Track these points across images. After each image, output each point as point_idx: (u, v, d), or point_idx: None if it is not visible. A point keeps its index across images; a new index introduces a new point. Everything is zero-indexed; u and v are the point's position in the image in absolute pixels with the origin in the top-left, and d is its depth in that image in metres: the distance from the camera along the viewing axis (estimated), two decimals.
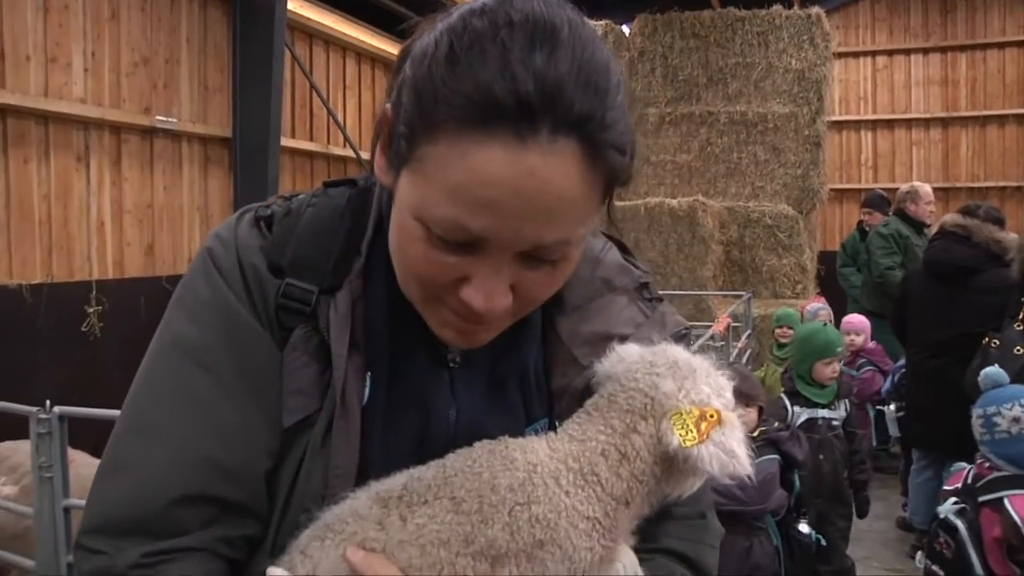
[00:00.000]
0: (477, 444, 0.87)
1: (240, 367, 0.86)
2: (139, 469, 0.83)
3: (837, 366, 4.00)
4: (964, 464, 3.17)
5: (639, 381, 0.88)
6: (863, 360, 5.81)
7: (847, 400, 4.09)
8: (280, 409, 0.86)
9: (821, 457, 3.83)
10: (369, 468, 0.86)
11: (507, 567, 0.81)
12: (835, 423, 3.93)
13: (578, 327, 0.96)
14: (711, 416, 0.85)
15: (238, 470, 0.84)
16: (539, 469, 0.84)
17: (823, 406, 3.93)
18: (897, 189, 6.92)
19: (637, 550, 0.91)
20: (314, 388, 0.86)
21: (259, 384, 0.86)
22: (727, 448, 0.84)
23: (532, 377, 0.95)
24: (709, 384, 0.89)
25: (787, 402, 3.95)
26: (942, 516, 2.93)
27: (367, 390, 0.88)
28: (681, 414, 0.85)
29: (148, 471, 0.83)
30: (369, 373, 0.88)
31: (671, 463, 0.87)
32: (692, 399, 0.87)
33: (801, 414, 3.90)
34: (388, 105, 0.82)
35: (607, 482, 0.85)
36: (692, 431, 0.84)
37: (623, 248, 1.05)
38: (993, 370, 3.20)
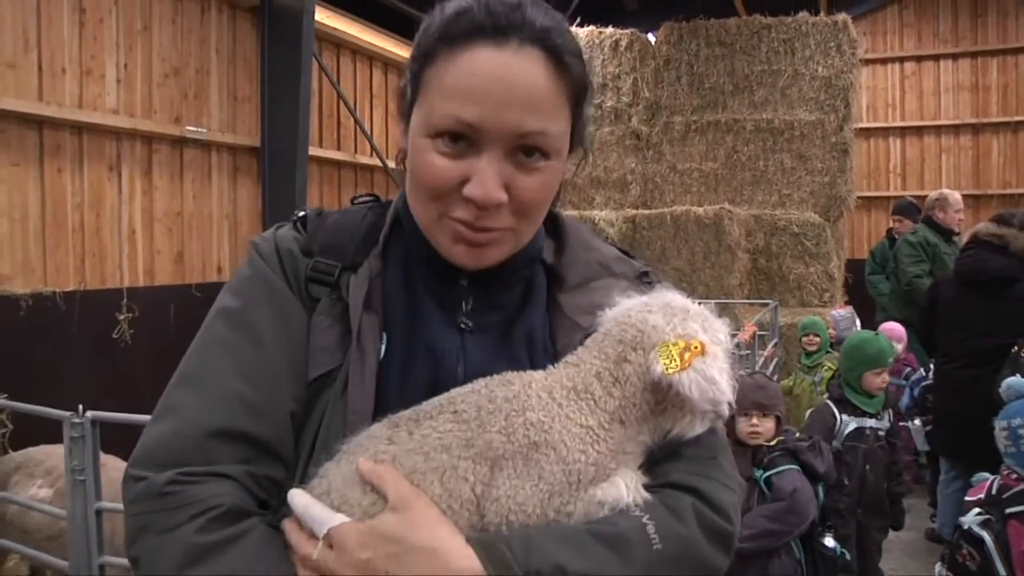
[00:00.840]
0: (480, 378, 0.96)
1: (274, 325, 1.00)
2: (181, 411, 0.96)
3: (887, 376, 3.94)
4: (987, 474, 3.11)
5: (632, 316, 0.97)
6: (908, 368, 5.69)
7: (890, 410, 4.03)
8: (306, 363, 1.00)
9: (868, 468, 3.77)
10: (386, 415, 0.96)
11: (505, 469, 0.88)
12: (881, 433, 3.88)
13: (579, 300, 1.07)
14: (695, 347, 0.92)
15: (265, 408, 0.96)
16: (533, 385, 0.93)
17: (871, 415, 3.87)
18: (927, 196, 6.85)
19: (645, 486, 0.94)
20: (337, 346, 1.00)
21: (291, 339, 1.00)
22: (707, 375, 0.90)
23: (539, 339, 1.06)
24: (700, 323, 0.96)
25: (835, 409, 3.89)
26: (965, 527, 2.87)
27: (383, 346, 1.01)
28: (667, 345, 0.92)
29: (188, 412, 0.95)
30: (385, 334, 1.01)
31: (662, 394, 0.93)
32: (679, 332, 0.93)
33: (849, 423, 3.84)
34: (402, 83, 1.02)
35: (600, 399, 0.93)
36: (675, 360, 0.91)
37: (624, 252, 1.17)
38: (1017, 380, 3.15)
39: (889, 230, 7.48)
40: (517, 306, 1.07)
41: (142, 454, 0.95)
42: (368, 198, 1.14)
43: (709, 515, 0.95)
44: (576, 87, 0.98)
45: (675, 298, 0.99)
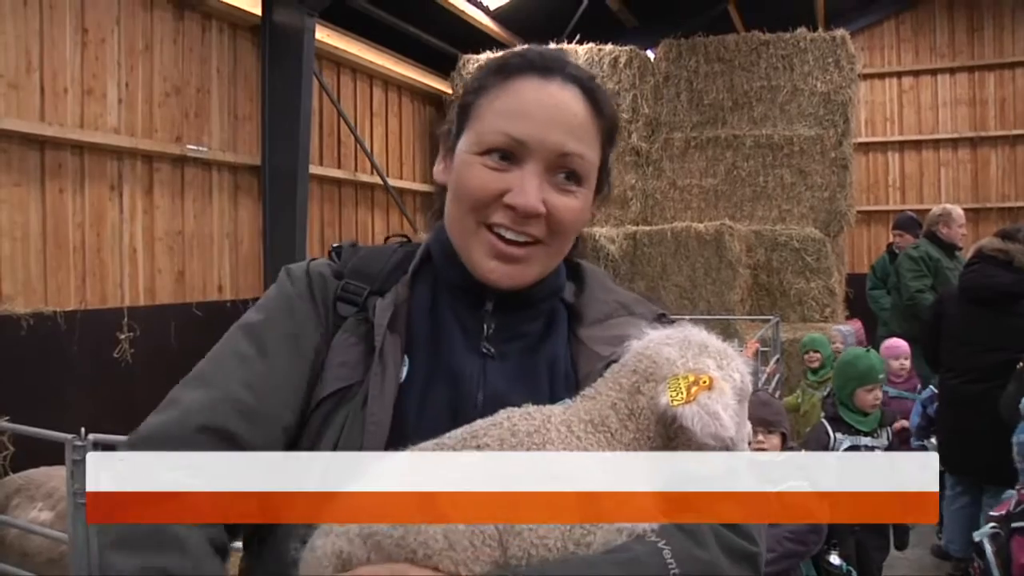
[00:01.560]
0: (502, 410, 0.97)
1: (286, 342, 1.06)
2: (181, 405, 1.01)
3: (879, 393, 3.90)
4: (1012, 491, 3.10)
5: (649, 348, 0.99)
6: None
7: (889, 428, 3.99)
8: (308, 380, 1.05)
9: None
10: (406, 437, 0.97)
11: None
12: (878, 451, 3.84)
13: (599, 333, 1.12)
14: (704, 382, 0.93)
15: (260, 417, 1.00)
16: (552, 419, 0.94)
17: (866, 433, 3.84)
18: (925, 210, 6.85)
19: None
20: (359, 363, 1.04)
21: (299, 358, 1.05)
22: (710, 410, 0.90)
23: (561, 368, 1.10)
24: (716, 359, 0.97)
25: (829, 428, 3.86)
26: (977, 540, 2.87)
27: (405, 368, 1.05)
28: (677, 378, 0.93)
29: (187, 406, 1.00)
30: (407, 356, 1.06)
31: (669, 425, 0.94)
32: (691, 366, 0.95)
33: (843, 441, 3.81)
34: (444, 128, 1.14)
35: (616, 431, 0.94)
36: (682, 393, 0.92)
37: (642, 295, 1.24)
38: None
39: (889, 245, 7.48)
40: (539, 336, 1.12)
41: (136, 438, 1.00)
42: (401, 237, 1.23)
43: (730, 537, 0.94)
44: (608, 127, 1.10)
45: (697, 334, 1.01)
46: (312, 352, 1.06)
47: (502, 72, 1.07)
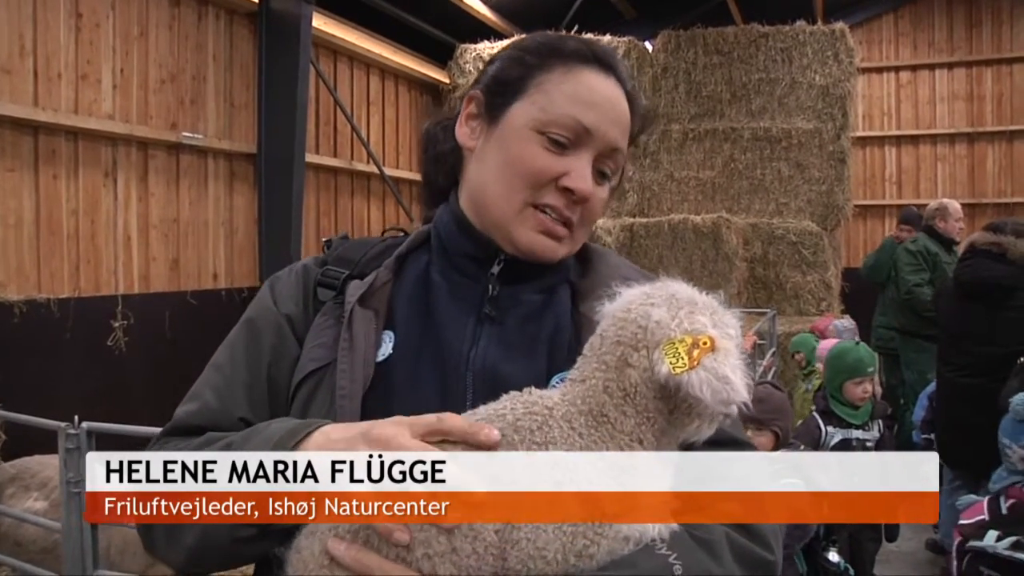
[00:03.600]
0: (504, 395, 0.90)
1: (246, 345, 1.10)
2: (176, 417, 1.08)
3: (869, 386, 3.92)
4: (975, 497, 3.07)
5: (631, 312, 0.88)
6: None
7: (880, 421, 4.01)
8: (267, 376, 1.07)
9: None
10: (394, 413, 0.93)
11: None
12: (869, 444, 3.85)
13: (599, 304, 1.06)
14: (704, 343, 0.83)
15: (220, 412, 1.06)
16: (554, 412, 0.85)
17: (857, 427, 3.84)
18: (922, 205, 6.85)
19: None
20: (334, 343, 1.04)
21: (258, 356, 1.09)
22: (719, 374, 0.82)
23: (564, 338, 1.08)
24: (709, 316, 0.87)
25: (820, 422, 3.87)
26: (990, 551, 2.82)
27: (390, 344, 1.06)
28: (673, 342, 0.84)
29: (178, 415, 1.08)
30: (392, 332, 1.06)
31: (672, 397, 0.85)
32: (685, 327, 0.85)
33: (835, 435, 3.82)
34: (476, 91, 1.13)
35: (616, 420, 0.85)
36: (683, 358, 0.82)
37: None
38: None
39: (896, 238, 7.42)
40: (540, 306, 1.12)
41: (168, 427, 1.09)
42: (398, 231, 1.24)
43: (746, 545, 0.89)
44: (635, 132, 1.15)
45: (680, 288, 0.91)
46: (269, 348, 1.09)
47: (563, 56, 1.09)
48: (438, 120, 1.21)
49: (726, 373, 0.82)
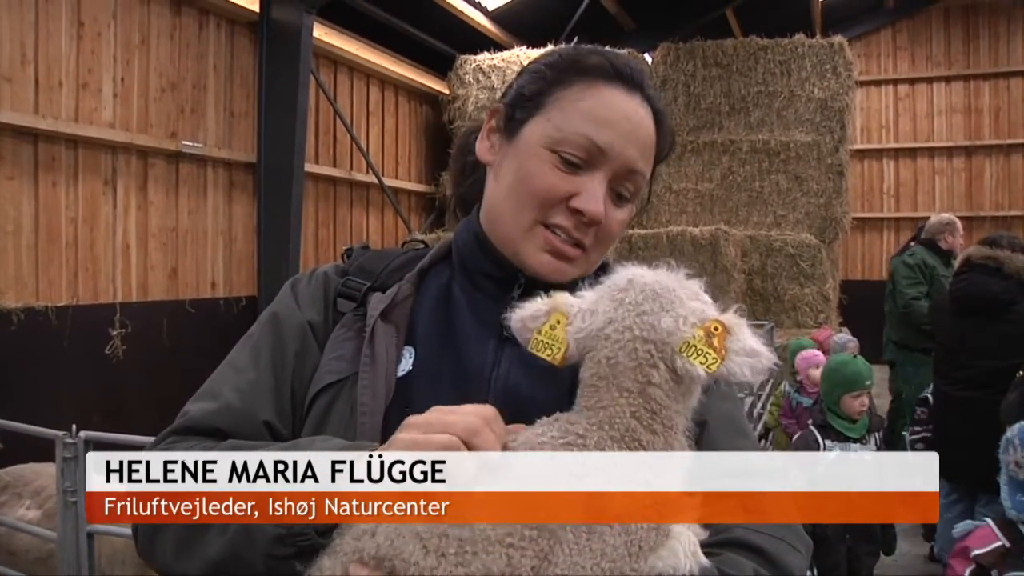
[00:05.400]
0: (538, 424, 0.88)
1: (272, 349, 1.07)
2: (188, 414, 1.03)
3: (866, 400, 3.92)
4: (971, 523, 3.03)
5: (632, 330, 0.86)
6: None
7: (877, 434, 4.01)
8: (291, 380, 1.05)
9: None
10: None
11: (565, 543, 0.79)
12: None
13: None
14: (715, 329, 0.84)
15: (244, 415, 1.03)
16: (587, 442, 0.83)
17: (855, 440, 3.84)
18: (919, 218, 6.86)
19: (704, 545, 0.86)
20: (354, 356, 1.03)
21: (282, 362, 1.06)
22: (749, 350, 0.84)
23: None
24: (696, 298, 0.88)
25: (818, 435, 3.86)
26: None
27: (410, 360, 1.04)
28: (689, 343, 0.84)
29: (191, 415, 1.03)
30: (412, 348, 1.05)
31: (687, 389, 0.86)
32: (691, 322, 0.85)
33: (832, 448, 3.81)
34: (499, 104, 1.11)
35: (648, 443, 0.84)
36: (709, 353, 0.83)
37: None
38: None
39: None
40: None
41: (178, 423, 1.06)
42: (418, 243, 1.22)
43: None
44: (661, 153, 1.11)
45: (649, 281, 0.90)
46: (295, 353, 1.07)
47: (585, 71, 1.05)
48: (473, 129, 1.18)
49: (752, 346, 0.84)
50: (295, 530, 0.84)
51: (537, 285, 1.02)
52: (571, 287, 1.02)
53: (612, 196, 1.04)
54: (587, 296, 0.91)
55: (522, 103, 1.07)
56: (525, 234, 1.04)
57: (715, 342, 0.83)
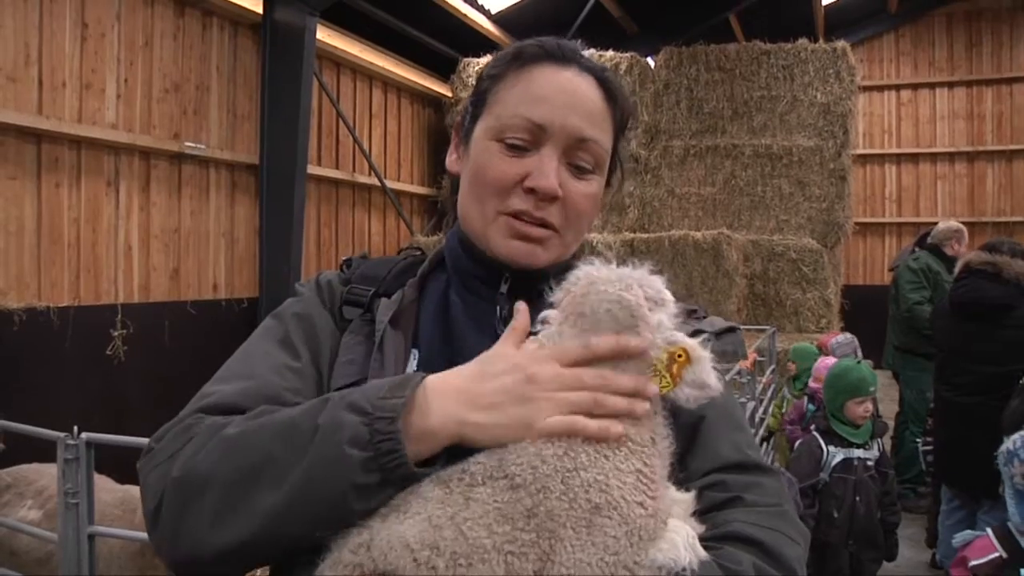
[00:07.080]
0: None
1: (305, 338, 1.09)
2: (208, 396, 1.02)
3: (870, 405, 3.90)
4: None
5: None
6: None
7: (879, 440, 4.00)
8: (320, 367, 1.07)
9: (857, 499, 3.72)
10: None
11: (566, 540, 0.81)
12: (870, 463, 3.83)
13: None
14: (679, 356, 0.90)
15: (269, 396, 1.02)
16: (578, 438, 0.87)
17: (858, 446, 3.82)
18: (922, 223, 6.87)
19: (703, 539, 0.88)
20: (364, 360, 1.05)
21: (316, 350, 1.08)
22: (700, 383, 0.90)
23: None
24: (660, 305, 0.93)
25: (821, 441, 3.85)
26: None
27: (414, 362, 1.07)
28: (652, 364, 0.90)
29: (211, 397, 1.01)
30: (415, 349, 1.08)
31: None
32: (658, 344, 0.91)
33: (836, 454, 3.79)
34: (457, 119, 1.16)
35: (635, 434, 0.88)
36: (666, 377, 0.89)
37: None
38: None
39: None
40: None
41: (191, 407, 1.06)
42: (414, 250, 1.25)
43: (772, 574, 0.88)
44: (622, 116, 1.12)
45: (616, 285, 0.93)
46: (327, 345, 1.10)
47: (518, 60, 1.08)
48: None
49: (704, 380, 0.90)
50: (383, 448, 0.83)
51: (522, 277, 1.07)
52: (550, 272, 1.04)
53: (571, 170, 1.06)
54: (552, 316, 0.96)
55: (472, 110, 1.13)
56: (490, 226, 1.07)
57: (675, 368, 0.90)
